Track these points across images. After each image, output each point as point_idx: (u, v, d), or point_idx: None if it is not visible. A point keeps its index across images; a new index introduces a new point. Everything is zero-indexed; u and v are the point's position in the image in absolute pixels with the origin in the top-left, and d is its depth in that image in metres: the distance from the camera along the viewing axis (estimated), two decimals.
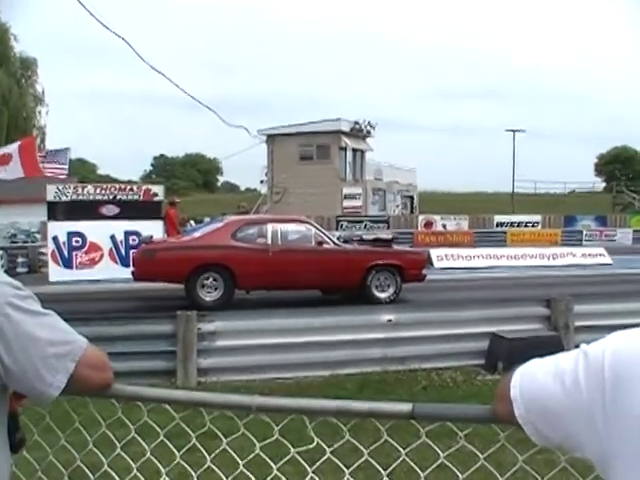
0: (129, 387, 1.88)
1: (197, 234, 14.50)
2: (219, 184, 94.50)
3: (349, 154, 41.45)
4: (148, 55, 39.23)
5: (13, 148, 16.41)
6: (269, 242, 13.30)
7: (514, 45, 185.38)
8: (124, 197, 16.65)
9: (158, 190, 17.37)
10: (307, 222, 14.21)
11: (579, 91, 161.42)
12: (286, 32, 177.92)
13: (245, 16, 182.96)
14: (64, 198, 16.25)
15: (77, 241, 16.21)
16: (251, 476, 2.00)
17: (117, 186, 17.44)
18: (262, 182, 45.59)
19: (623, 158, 70.99)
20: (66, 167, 17.80)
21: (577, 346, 1.19)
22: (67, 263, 16.10)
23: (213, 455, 2.08)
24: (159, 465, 2.14)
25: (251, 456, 2.02)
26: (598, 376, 1.11)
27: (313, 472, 2.00)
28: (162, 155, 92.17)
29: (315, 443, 1.93)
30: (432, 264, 19.99)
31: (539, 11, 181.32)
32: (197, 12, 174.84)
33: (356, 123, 41.16)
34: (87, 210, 16.15)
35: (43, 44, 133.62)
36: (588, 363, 1.13)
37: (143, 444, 2.15)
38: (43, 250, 18.15)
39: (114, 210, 16.47)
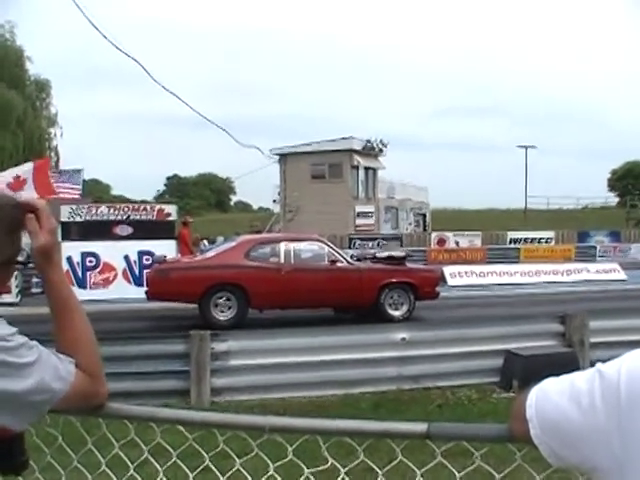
0: (142, 407, 1.88)
1: (211, 253, 14.55)
2: (232, 203, 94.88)
3: (361, 172, 41.50)
4: (161, 76, 39.47)
5: (27, 170, 16.55)
6: (282, 261, 13.30)
7: (525, 61, 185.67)
8: (137, 217, 16.72)
9: (171, 210, 17.44)
10: (320, 241, 14.22)
11: (591, 106, 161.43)
12: (298, 53, 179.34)
13: (258, 37, 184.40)
14: (78, 218, 16.34)
15: (91, 261, 16.29)
16: None
17: (130, 206, 17.53)
18: (275, 201, 45.71)
19: (636, 173, 70.69)
20: (80, 187, 17.94)
21: (592, 363, 1.17)
22: (81, 283, 16.16)
23: (227, 476, 2.06)
24: None
25: (265, 477, 2.01)
26: (614, 397, 1.09)
27: None
28: (175, 175, 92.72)
29: (329, 463, 1.92)
30: (445, 281, 19.91)
31: (551, 26, 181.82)
32: (210, 33, 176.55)
33: (368, 141, 41.25)
34: (101, 230, 16.23)
35: (57, 66, 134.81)
36: (603, 383, 1.12)
37: (156, 465, 2.14)
38: None
39: (128, 230, 16.54)
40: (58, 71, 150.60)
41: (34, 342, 1.54)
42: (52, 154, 40.92)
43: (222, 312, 12.96)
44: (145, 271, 15.54)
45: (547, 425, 1.19)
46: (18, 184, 15.45)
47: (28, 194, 14.91)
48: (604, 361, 1.15)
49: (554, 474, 1.68)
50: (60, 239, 16.11)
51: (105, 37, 17.95)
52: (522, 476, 1.94)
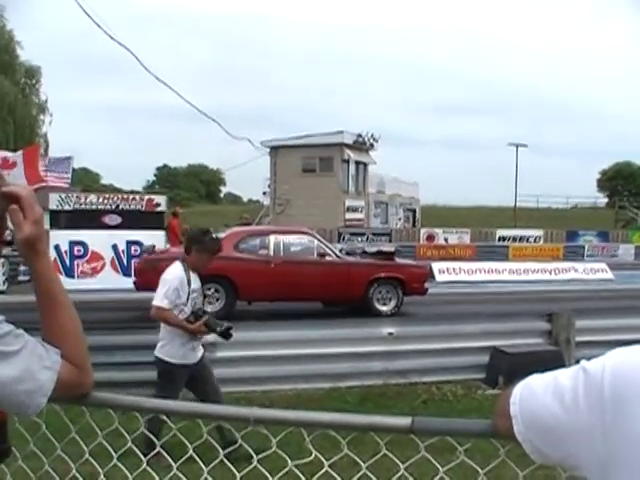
0: (127, 397, 1.87)
1: None
2: (222, 195, 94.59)
3: (352, 167, 41.46)
4: (153, 66, 39.25)
5: (18, 156, 16.48)
6: (271, 254, 13.30)
7: (516, 60, 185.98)
8: (127, 207, 16.64)
9: (161, 200, 17.36)
10: (310, 234, 14.21)
11: (581, 106, 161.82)
12: (291, 45, 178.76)
13: (250, 29, 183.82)
14: (67, 207, 16.24)
15: (79, 250, 16.20)
16: None
17: (120, 196, 17.45)
18: (265, 194, 45.61)
19: (626, 174, 70.98)
20: (69, 176, 17.86)
21: (578, 361, 1.17)
22: (69, 272, 16.07)
23: (211, 467, 2.06)
24: (156, 476, 2.12)
25: (249, 468, 2.01)
26: (598, 394, 1.09)
27: None
28: (165, 165, 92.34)
29: (313, 456, 1.92)
30: (434, 277, 19.97)
31: (541, 26, 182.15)
32: (203, 25, 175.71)
33: (359, 136, 41.19)
34: (89, 219, 16.14)
35: (49, 54, 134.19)
36: (587, 381, 1.12)
37: (140, 455, 2.14)
38: None
39: (116, 220, 16.46)
40: (49, 58, 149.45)
41: (20, 331, 1.52)
42: (42, 141, 40.65)
43: (210, 304, 12.93)
44: (133, 261, 15.48)
45: (530, 421, 1.19)
46: (7, 165, 15.36)
47: (14, 178, 14.85)
48: (590, 360, 1.16)
49: (538, 470, 1.68)
50: (48, 227, 16.07)
51: (98, 25, 17.81)
52: (506, 472, 1.95)
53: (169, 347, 5.70)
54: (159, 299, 5.67)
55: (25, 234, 1.52)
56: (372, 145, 42.51)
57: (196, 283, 5.88)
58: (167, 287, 5.68)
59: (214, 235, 6.14)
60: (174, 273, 5.78)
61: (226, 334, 5.79)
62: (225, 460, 2.01)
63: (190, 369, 5.72)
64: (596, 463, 1.10)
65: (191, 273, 5.81)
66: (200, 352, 5.87)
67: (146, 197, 17.49)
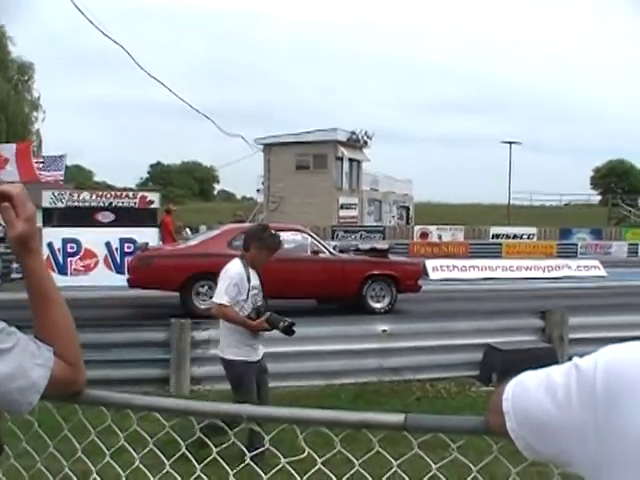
0: (119, 394, 1.86)
1: (193, 242, 14.50)
2: (215, 192, 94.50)
3: (346, 164, 41.45)
4: (146, 63, 39.20)
5: (10, 152, 16.43)
6: None
7: (510, 57, 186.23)
8: (120, 204, 16.63)
9: (154, 197, 17.35)
10: (303, 231, 14.20)
11: (575, 104, 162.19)
12: (285, 42, 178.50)
13: (244, 26, 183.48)
14: (60, 204, 16.22)
15: (72, 247, 16.18)
16: None
17: (113, 193, 17.43)
18: (258, 191, 45.59)
19: (619, 171, 71.22)
20: (62, 173, 17.81)
21: (571, 358, 1.17)
22: (62, 269, 16.05)
23: (203, 464, 2.06)
24: (149, 474, 2.12)
25: (242, 465, 2.01)
26: (590, 391, 1.09)
27: None
28: (159, 163, 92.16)
29: (306, 453, 1.92)
30: (427, 275, 19.99)
31: (535, 24, 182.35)
32: (197, 21, 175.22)
33: (353, 133, 41.19)
34: (82, 216, 16.12)
35: (42, 51, 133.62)
36: (580, 377, 1.12)
37: (133, 452, 2.13)
38: None
39: (110, 217, 16.45)
40: (42, 55, 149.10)
41: (13, 328, 1.52)
42: (34, 138, 40.52)
43: (204, 301, 12.92)
44: (126, 258, 15.46)
45: (523, 418, 1.19)
46: (1, 161, 15.32)
47: (7, 175, 14.82)
48: (582, 357, 1.16)
49: (531, 467, 1.69)
50: (41, 225, 16.03)
51: (91, 22, 17.78)
52: (499, 469, 1.95)
53: (234, 347, 5.57)
54: (220, 296, 5.57)
55: (17, 232, 1.51)
56: (366, 142, 42.51)
57: (255, 280, 5.78)
58: (227, 283, 5.57)
59: (273, 231, 6.02)
60: (234, 269, 5.67)
61: (289, 330, 5.67)
62: (218, 457, 2.01)
63: (255, 366, 5.63)
64: (589, 460, 1.10)
65: (250, 270, 5.71)
66: (261, 351, 5.77)
67: (139, 194, 17.47)
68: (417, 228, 39.36)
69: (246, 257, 5.77)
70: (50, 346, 1.55)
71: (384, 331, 8.64)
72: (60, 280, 15.35)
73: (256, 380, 5.67)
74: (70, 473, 2.13)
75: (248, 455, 1.87)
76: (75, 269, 16.26)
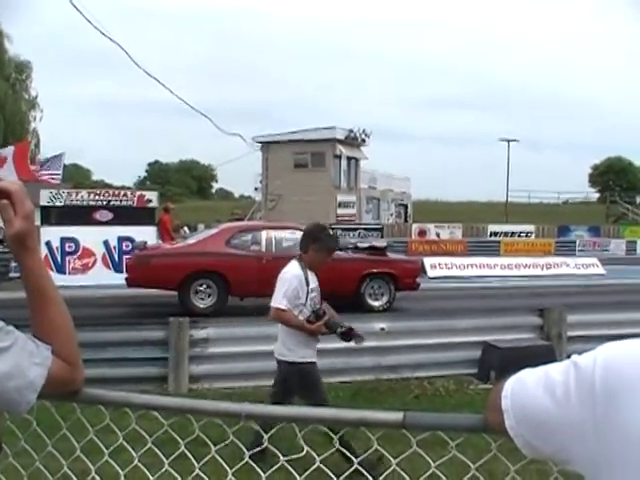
0: (117, 393, 1.86)
1: (192, 241, 14.49)
2: (213, 191, 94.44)
3: (344, 162, 41.44)
4: (145, 61, 39.16)
5: (8, 152, 16.41)
6: (263, 249, 13.28)
7: (508, 55, 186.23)
8: (118, 203, 16.61)
9: (152, 196, 17.34)
10: (302, 229, 14.16)
11: (573, 102, 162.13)
12: (283, 40, 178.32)
13: (243, 24, 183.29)
14: (58, 203, 16.21)
15: (70, 246, 16.16)
16: None
17: (111, 192, 17.42)
18: (256, 189, 45.59)
19: (617, 169, 71.25)
20: (60, 172, 17.79)
21: (569, 356, 1.17)
22: (60, 268, 16.03)
23: (202, 463, 2.06)
24: (147, 473, 2.12)
25: (241, 464, 2.01)
26: (589, 388, 1.09)
27: None
28: (156, 161, 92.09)
29: (305, 451, 1.92)
30: (426, 273, 19.98)
31: (534, 21, 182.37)
32: (195, 20, 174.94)
33: (351, 131, 41.16)
34: (80, 215, 16.10)
35: (40, 50, 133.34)
36: (579, 375, 1.12)
37: (132, 451, 2.13)
38: None
39: (108, 216, 16.43)
40: (39, 53, 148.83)
41: (11, 327, 1.52)
42: (32, 137, 40.45)
43: (202, 299, 12.93)
44: (125, 257, 15.45)
45: (522, 416, 1.19)
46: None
47: (4, 174, 14.79)
48: (581, 354, 1.16)
49: (530, 465, 1.69)
50: (39, 223, 16.02)
51: (88, 20, 17.76)
52: (498, 467, 1.95)
53: (298, 349, 5.44)
54: (278, 300, 5.43)
55: (15, 229, 1.51)
56: (364, 140, 42.50)
57: (314, 282, 5.62)
58: (286, 287, 5.42)
59: (330, 231, 5.88)
60: (293, 272, 5.50)
61: (346, 336, 5.52)
62: (217, 456, 2.01)
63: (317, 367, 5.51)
64: (587, 457, 1.10)
65: (308, 272, 5.56)
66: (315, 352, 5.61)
67: (137, 193, 17.47)
68: (415, 226, 39.34)
69: (304, 259, 5.60)
70: (48, 345, 1.55)
71: (382, 329, 8.64)
72: (58, 279, 15.34)
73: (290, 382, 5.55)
74: (69, 472, 2.13)
75: (247, 453, 1.86)
76: (73, 268, 16.24)
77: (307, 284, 5.50)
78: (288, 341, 5.50)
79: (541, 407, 1.15)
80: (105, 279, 15.76)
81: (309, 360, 5.47)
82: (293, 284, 5.42)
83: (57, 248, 16.08)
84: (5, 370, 1.46)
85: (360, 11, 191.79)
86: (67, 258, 16.20)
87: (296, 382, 5.51)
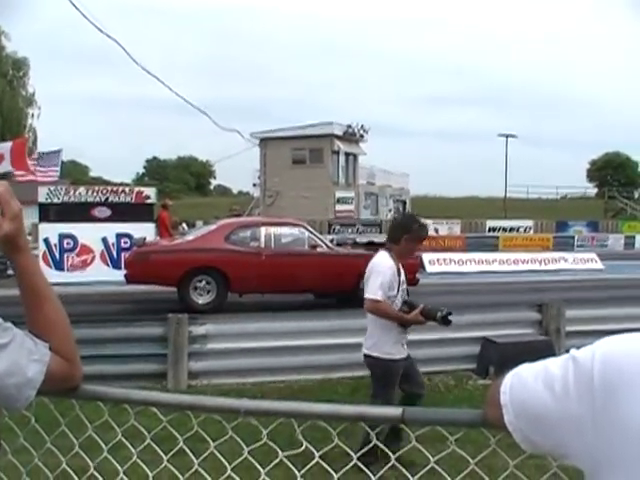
0: (116, 389, 1.86)
1: (191, 237, 14.49)
2: (212, 187, 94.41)
3: (342, 158, 41.40)
4: (143, 59, 39.02)
5: (5, 148, 16.38)
6: (262, 245, 13.27)
7: (507, 51, 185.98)
8: (116, 199, 16.58)
9: (150, 192, 17.31)
10: (301, 225, 14.18)
11: (572, 97, 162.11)
12: (282, 38, 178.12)
13: (242, 21, 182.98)
14: (56, 200, 16.17)
15: (68, 243, 16.13)
16: None
17: (109, 188, 17.38)
18: (255, 185, 45.53)
19: (615, 164, 71.24)
20: (58, 169, 17.76)
21: (568, 351, 1.17)
22: (58, 265, 16.01)
23: (201, 459, 2.05)
24: (147, 469, 2.12)
25: (240, 460, 2.00)
26: (587, 382, 1.09)
27: (302, 476, 1.98)
28: (155, 158, 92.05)
29: (304, 447, 1.92)
30: (424, 268, 19.98)
31: (532, 17, 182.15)
32: (194, 17, 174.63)
33: (349, 127, 41.12)
34: (79, 212, 16.07)
35: (38, 47, 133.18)
36: (577, 369, 1.12)
37: (131, 448, 2.13)
38: (34, 252, 18.14)
39: (106, 212, 16.40)
40: (38, 51, 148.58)
41: (9, 324, 1.52)
42: (29, 134, 40.41)
43: (201, 296, 12.92)
44: (123, 254, 15.45)
45: (520, 410, 1.19)
46: None
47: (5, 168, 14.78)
48: (579, 349, 1.16)
49: (528, 460, 1.69)
50: (37, 220, 16.01)
51: (85, 17, 17.69)
52: (497, 462, 1.95)
53: (383, 343, 5.37)
54: (373, 291, 5.30)
55: (4, 231, 1.50)
56: (362, 136, 42.46)
57: (402, 273, 5.57)
58: (381, 278, 5.30)
59: (421, 220, 5.82)
60: (386, 264, 5.38)
61: (446, 320, 5.38)
62: (216, 452, 2.01)
63: (403, 363, 5.45)
64: (586, 451, 1.10)
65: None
66: (406, 345, 5.55)
67: (135, 189, 17.44)
68: None
69: (394, 249, 5.50)
70: (46, 342, 1.55)
71: None
72: (57, 276, 15.37)
73: (409, 372, 5.50)
74: (68, 469, 2.12)
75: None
76: (72, 265, 16.22)
77: (399, 275, 5.45)
78: (381, 336, 5.41)
79: (540, 402, 1.15)
80: (103, 276, 15.75)
81: (399, 357, 5.40)
82: (387, 275, 5.33)
83: (55, 245, 16.05)
84: (3, 367, 1.46)
85: (359, 9, 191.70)
86: (65, 255, 16.17)
87: (376, 375, 5.47)
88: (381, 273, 5.33)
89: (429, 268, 20.86)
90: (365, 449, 2.16)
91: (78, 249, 16.23)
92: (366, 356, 5.53)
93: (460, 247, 31.21)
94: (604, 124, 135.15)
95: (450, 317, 5.37)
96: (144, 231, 15.56)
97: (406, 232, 5.49)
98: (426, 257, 21.41)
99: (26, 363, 1.50)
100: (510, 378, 1.24)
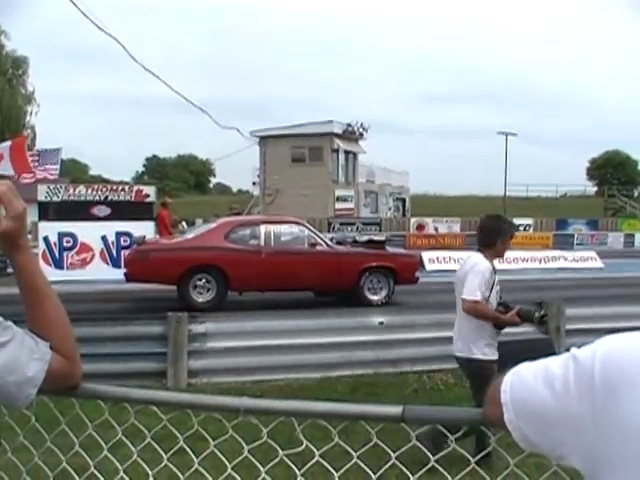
0: (116, 388, 1.86)
1: (190, 235, 14.49)
2: (211, 185, 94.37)
3: (341, 156, 41.41)
4: (142, 57, 39.02)
5: (4, 147, 16.35)
6: (262, 243, 13.28)
7: (507, 49, 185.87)
8: (116, 198, 16.58)
9: (150, 191, 17.31)
10: (300, 223, 14.19)
11: (572, 95, 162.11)
12: (281, 35, 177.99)
13: (242, 19, 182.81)
14: (55, 198, 16.17)
15: (68, 241, 16.13)
16: (240, 479, 1.98)
17: (109, 187, 17.38)
18: (254, 184, 45.56)
19: (615, 162, 71.20)
20: (57, 167, 17.73)
21: (568, 349, 1.17)
22: (58, 263, 16.01)
23: (201, 457, 2.06)
24: (147, 468, 2.12)
25: (240, 458, 2.00)
26: (588, 381, 1.09)
27: (302, 475, 1.99)
28: (154, 156, 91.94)
29: (304, 446, 1.92)
30: (424, 267, 19.98)
31: (532, 15, 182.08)
32: (194, 15, 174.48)
33: (348, 125, 41.14)
34: (78, 210, 16.07)
35: (37, 45, 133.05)
36: (578, 368, 1.12)
37: (131, 446, 2.13)
38: (34, 250, 18.15)
39: (105, 211, 16.40)
40: (38, 49, 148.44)
41: (9, 322, 1.52)
42: (29, 132, 40.41)
43: (201, 294, 12.92)
44: (123, 252, 15.45)
45: (521, 410, 1.19)
46: None
47: (3, 171, 14.76)
48: (580, 347, 1.15)
49: (528, 459, 1.69)
50: (37, 219, 15.99)
51: (85, 14, 17.69)
52: (497, 460, 1.95)
53: (479, 345, 5.36)
54: (472, 292, 5.25)
55: (2, 229, 1.50)
56: (361, 134, 42.49)
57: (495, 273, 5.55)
58: (479, 278, 5.28)
59: (505, 217, 5.83)
60: (483, 264, 5.37)
61: (543, 321, 5.41)
62: (216, 451, 2.01)
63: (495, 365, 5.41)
64: (586, 451, 1.10)
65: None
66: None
67: (135, 188, 17.43)
68: (413, 220, 39.39)
69: (489, 252, 5.50)
70: (46, 341, 1.55)
71: (381, 323, 8.65)
72: (56, 274, 15.37)
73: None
74: (68, 467, 2.12)
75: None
76: (71, 263, 16.21)
77: (495, 274, 5.45)
78: (478, 338, 5.37)
79: (540, 400, 1.15)
80: (103, 274, 15.75)
81: (492, 358, 5.39)
82: (486, 276, 5.32)
83: (55, 243, 16.05)
84: (3, 365, 1.46)
85: (358, 8, 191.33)
86: (65, 253, 16.16)
87: (477, 378, 5.39)
88: (480, 273, 5.32)
89: (429, 266, 20.84)
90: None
91: (78, 247, 16.23)
92: (461, 358, 5.50)
93: (460, 245, 31.21)
94: (604, 122, 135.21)
95: (546, 318, 5.38)
96: (144, 229, 15.56)
97: (499, 234, 5.53)
98: (426, 255, 21.41)
99: (27, 361, 1.50)
100: (510, 377, 1.24)
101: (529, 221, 39.40)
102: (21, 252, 1.56)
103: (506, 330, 8.75)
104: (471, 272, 5.34)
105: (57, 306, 1.61)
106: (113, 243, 16.32)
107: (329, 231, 32.05)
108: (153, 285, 13.50)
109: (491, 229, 5.65)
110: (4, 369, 1.46)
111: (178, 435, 2.05)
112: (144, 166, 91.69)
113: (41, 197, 16.05)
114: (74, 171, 60.99)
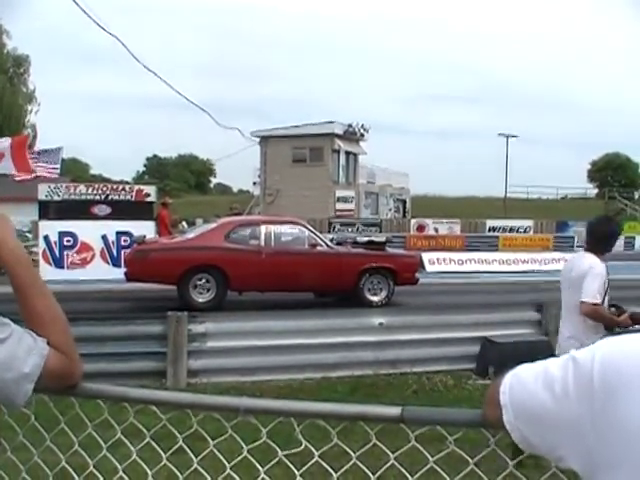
0: (116, 388, 1.86)
1: (190, 235, 14.49)
2: (212, 185, 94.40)
3: (342, 157, 41.40)
4: (146, 56, 39.10)
5: (5, 146, 16.35)
6: (262, 244, 13.28)
7: (507, 51, 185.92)
8: (116, 197, 16.58)
9: (150, 191, 17.30)
10: (301, 224, 14.18)
11: (572, 98, 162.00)
12: (281, 35, 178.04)
13: (243, 19, 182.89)
14: (56, 197, 16.16)
15: (68, 241, 16.13)
16: (239, 479, 1.98)
17: (109, 186, 17.37)
18: (255, 184, 45.53)
19: (615, 165, 71.20)
20: (58, 166, 17.72)
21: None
22: (58, 263, 16.01)
23: (200, 457, 2.06)
24: (146, 467, 2.12)
25: (239, 458, 2.01)
26: (587, 384, 1.09)
27: (301, 475, 1.98)
28: (155, 156, 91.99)
29: (303, 446, 1.92)
30: (424, 268, 19.98)
31: (532, 16, 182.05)
32: (195, 15, 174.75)
33: (349, 126, 41.12)
34: (79, 210, 16.06)
35: (38, 44, 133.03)
36: (577, 370, 1.12)
37: (130, 446, 2.13)
38: (34, 249, 18.13)
39: (106, 210, 16.40)
40: (39, 48, 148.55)
41: (6, 320, 1.52)
42: (29, 131, 40.42)
43: (201, 294, 12.92)
44: (123, 251, 15.45)
45: (520, 411, 1.19)
46: None
47: (2, 171, 14.76)
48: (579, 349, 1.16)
49: (527, 460, 1.69)
50: (37, 218, 16.00)
51: (86, 13, 17.68)
52: (496, 461, 1.95)
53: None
54: (592, 295, 5.15)
55: None
56: (362, 135, 42.46)
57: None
58: (598, 281, 5.19)
59: (609, 218, 5.76)
60: (600, 267, 5.27)
61: None
62: (215, 451, 2.01)
63: None
64: (585, 453, 1.10)
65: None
66: None
67: (135, 187, 17.42)
68: (414, 221, 39.32)
69: (600, 254, 5.42)
70: (44, 338, 1.55)
71: (381, 324, 8.65)
72: (56, 273, 15.40)
73: None
74: (67, 466, 2.12)
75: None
76: (71, 262, 16.21)
77: (607, 275, 5.39)
78: (582, 338, 5.17)
79: (539, 402, 1.15)
80: (103, 274, 15.74)
81: None
82: (603, 278, 5.27)
83: (55, 242, 16.05)
84: (1, 362, 1.47)
85: (359, 8, 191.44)
86: (65, 252, 16.16)
87: None
88: (599, 276, 5.25)
89: (429, 267, 20.86)
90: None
91: (78, 247, 16.22)
92: None
93: (460, 247, 31.18)
94: (605, 125, 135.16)
95: None
96: (144, 229, 15.54)
97: (612, 238, 5.56)
98: (426, 256, 21.42)
99: (24, 358, 1.50)
100: (510, 378, 1.24)
101: (529, 223, 39.35)
102: (10, 252, 1.60)
103: (505, 332, 8.77)
104: (590, 274, 5.25)
105: (52, 302, 1.61)
106: (113, 243, 16.32)
107: (329, 232, 32.02)
108: (153, 285, 13.49)
109: (606, 235, 5.60)
110: (2, 366, 1.47)
111: (177, 435, 2.05)
112: (145, 166, 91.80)
113: (41, 196, 16.04)
114: (75, 170, 60.97)
